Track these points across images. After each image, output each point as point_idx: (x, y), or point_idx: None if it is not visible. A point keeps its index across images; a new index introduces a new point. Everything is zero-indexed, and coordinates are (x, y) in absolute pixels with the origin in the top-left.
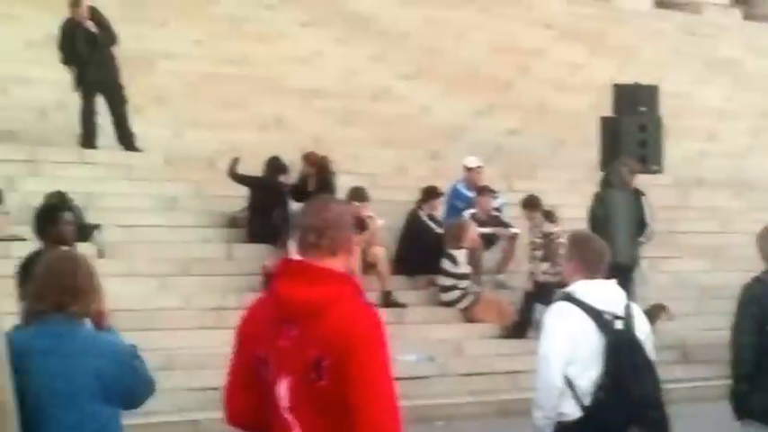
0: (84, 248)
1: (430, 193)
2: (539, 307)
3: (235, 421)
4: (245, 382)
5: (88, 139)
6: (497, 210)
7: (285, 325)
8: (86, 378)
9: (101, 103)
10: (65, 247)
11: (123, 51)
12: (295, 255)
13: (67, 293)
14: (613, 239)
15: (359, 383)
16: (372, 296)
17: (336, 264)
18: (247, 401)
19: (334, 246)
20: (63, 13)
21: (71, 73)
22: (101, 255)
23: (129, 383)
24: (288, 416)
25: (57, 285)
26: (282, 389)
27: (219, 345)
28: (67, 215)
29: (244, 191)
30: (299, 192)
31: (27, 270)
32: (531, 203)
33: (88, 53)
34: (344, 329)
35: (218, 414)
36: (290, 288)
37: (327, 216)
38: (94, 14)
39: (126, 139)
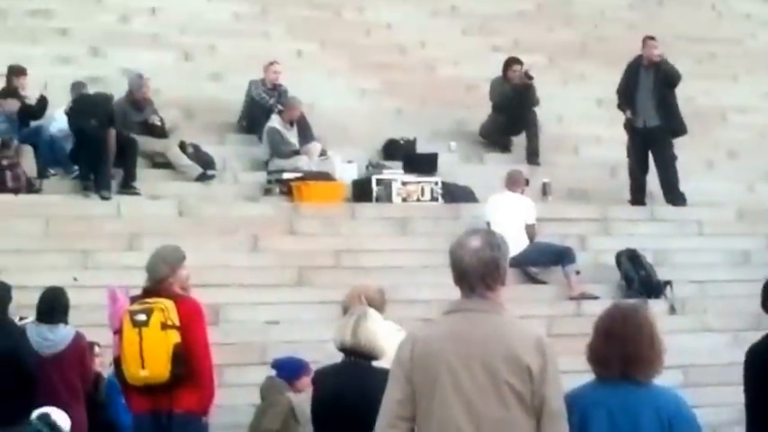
0: (656, 305)
1: None
2: None
3: None
4: None
5: (633, 195)
6: None
7: None
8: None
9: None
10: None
11: (695, 107)
12: None
13: (630, 364)
14: None
15: None
16: None
17: None
18: None
19: None
20: None
21: (625, 116)
22: (672, 311)
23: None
24: None
25: (619, 353)
26: None
27: None
28: None
29: None
30: None
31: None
32: None
33: (650, 96)
34: None
35: None
36: None
37: None
38: (662, 62)
39: (673, 199)
